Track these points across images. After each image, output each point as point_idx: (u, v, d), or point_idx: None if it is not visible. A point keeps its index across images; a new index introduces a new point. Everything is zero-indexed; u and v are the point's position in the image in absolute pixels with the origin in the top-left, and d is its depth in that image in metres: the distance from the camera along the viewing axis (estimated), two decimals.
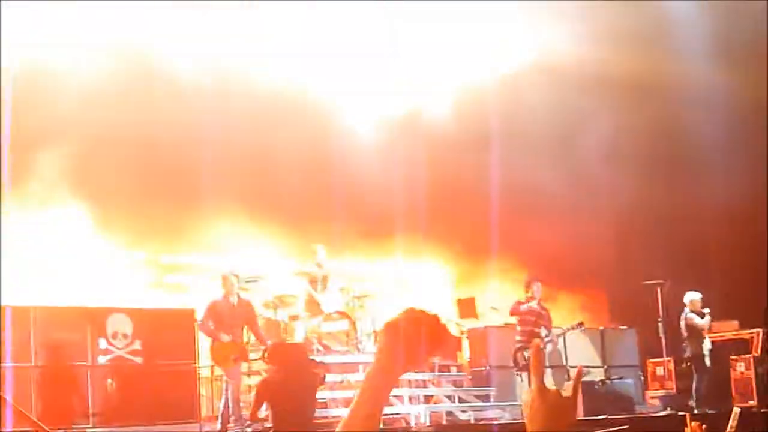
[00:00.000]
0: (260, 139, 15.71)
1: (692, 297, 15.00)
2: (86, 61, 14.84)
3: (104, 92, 14.76)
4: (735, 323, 16.66)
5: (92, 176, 14.80)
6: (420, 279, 18.71)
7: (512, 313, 14.31)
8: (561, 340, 14.66)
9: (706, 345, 14.85)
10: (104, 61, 15.00)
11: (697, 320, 14.79)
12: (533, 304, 14.20)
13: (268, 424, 10.80)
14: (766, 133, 17.01)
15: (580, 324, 14.40)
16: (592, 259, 15.01)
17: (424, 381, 14.53)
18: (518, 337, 14.09)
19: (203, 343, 12.91)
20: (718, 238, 17.92)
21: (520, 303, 14.28)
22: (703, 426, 4.51)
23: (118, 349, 12.36)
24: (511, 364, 14.32)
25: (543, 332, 14.05)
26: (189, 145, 14.94)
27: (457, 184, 17.18)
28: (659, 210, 17.53)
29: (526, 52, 18.01)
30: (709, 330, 15.14)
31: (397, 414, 13.50)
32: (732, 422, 5.38)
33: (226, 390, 12.18)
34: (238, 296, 12.67)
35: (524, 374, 13.82)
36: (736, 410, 5.69)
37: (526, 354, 13.78)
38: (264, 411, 10.62)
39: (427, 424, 12.77)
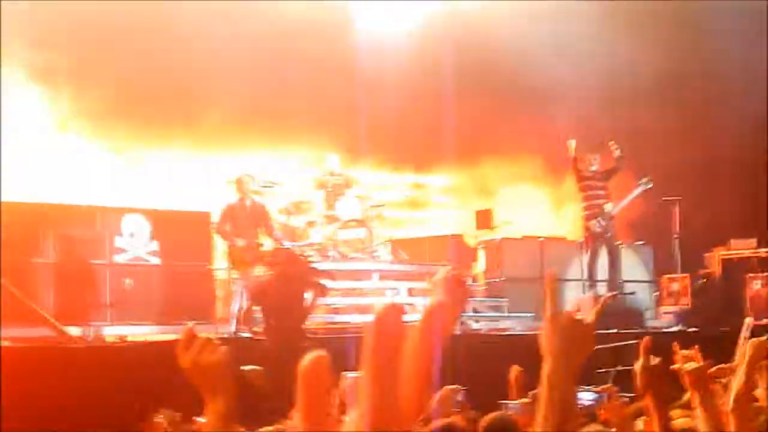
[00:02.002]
0: (276, 45, 15.56)
1: None
2: None
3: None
4: (753, 241, 16.60)
5: (98, 76, 14.73)
6: (438, 190, 18.72)
7: (576, 168, 14.07)
8: None
9: None
10: None
11: None
12: (593, 169, 14.07)
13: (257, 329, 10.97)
14: None
15: (648, 181, 14.20)
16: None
17: None
18: (585, 207, 14.05)
19: (219, 245, 13.03)
20: (737, 153, 17.76)
21: (582, 172, 14.11)
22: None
23: (136, 249, 12.50)
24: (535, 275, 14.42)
25: (608, 206, 13.99)
26: (204, 51, 14.85)
27: (480, 97, 17.04)
28: (676, 126, 17.33)
29: None
30: None
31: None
32: (745, 333, 5.35)
33: (241, 293, 12.32)
34: (253, 199, 12.71)
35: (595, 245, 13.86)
36: (749, 320, 5.65)
37: (602, 221, 13.73)
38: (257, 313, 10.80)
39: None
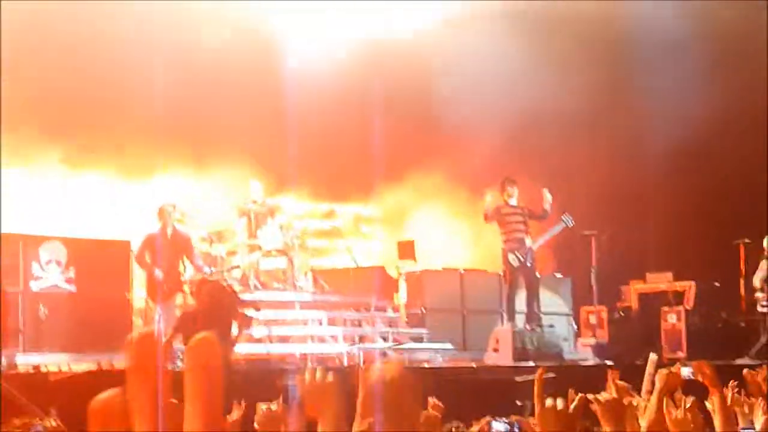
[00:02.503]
0: (201, 72, 15.52)
1: None
2: None
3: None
4: (669, 275, 16.92)
5: (19, 98, 14.48)
6: (361, 220, 18.75)
7: (492, 218, 14.02)
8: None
9: None
10: None
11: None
12: (513, 202, 14.02)
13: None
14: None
15: (569, 219, 14.18)
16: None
17: (359, 320, 14.64)
18: (505, 241, 13.97)
19: (138, 274, 12.88)
20: (656, 186, 18.12)
21: (500, 207, 14.03)
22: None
23: (53, 276, 12.31)
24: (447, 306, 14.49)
25: (528, 241, 13.96)
26: (129, 77, 14.73)
27: (409, 126, 17.16)
28: (597, 158, 17.61)
29: None
30: None
31: (331, 353, 13.60)
32: (649, 368, 5.47)
33: (159, 322, 12.18)
34: (174, 228, 12.63)
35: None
36: (653, 357, 5.77)
37: (520, 256, 13.80)
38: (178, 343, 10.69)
39: (360, 363, 12.88)
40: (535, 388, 3.31)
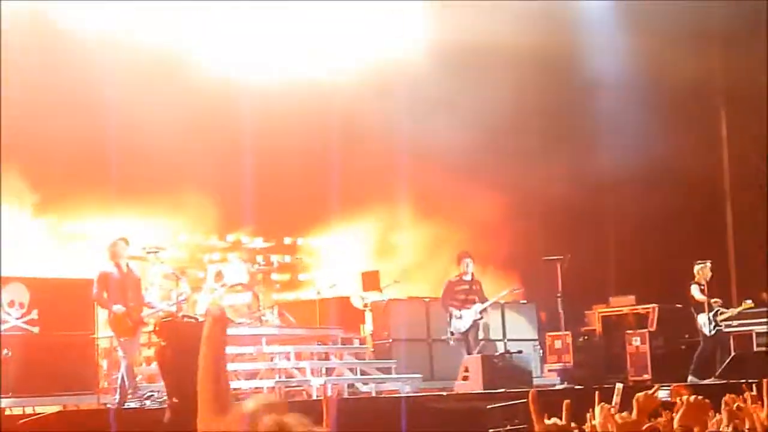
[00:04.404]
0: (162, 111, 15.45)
1: (698, 267, 15.19)
2: None
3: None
4: (631, 298, 17.07)
5: None
6: (329, 252, 18.70)
7: (446, 294, 14.64)
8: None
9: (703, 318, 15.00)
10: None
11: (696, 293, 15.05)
12: (466, 278, 14.58)
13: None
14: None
15: (513, 289, 15.12)
16: (489, 236, 15.17)
17: (326, 353, 14.59)
18: (453, 310, 14.54)
19: (102, 313, 12.70)
20: (616, 211, 18.26)
21: (452, 282, 14.63)
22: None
23: (15, 318, 12.14)
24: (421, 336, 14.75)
25: (477, 306, 14.45)
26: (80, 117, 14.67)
27: (373, 159, 17.21)
28: (557, 184, 17.74)
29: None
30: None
31: (299, 386, 13.53)
32: (616, 398, 5.51)
33: (124, 362, 12.03)
34: (128, 265, 12.34)
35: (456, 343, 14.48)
36: (619, 386, 5.82)
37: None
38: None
39: (329, 396, 12.80)
40: (532, 408, 3.35)
